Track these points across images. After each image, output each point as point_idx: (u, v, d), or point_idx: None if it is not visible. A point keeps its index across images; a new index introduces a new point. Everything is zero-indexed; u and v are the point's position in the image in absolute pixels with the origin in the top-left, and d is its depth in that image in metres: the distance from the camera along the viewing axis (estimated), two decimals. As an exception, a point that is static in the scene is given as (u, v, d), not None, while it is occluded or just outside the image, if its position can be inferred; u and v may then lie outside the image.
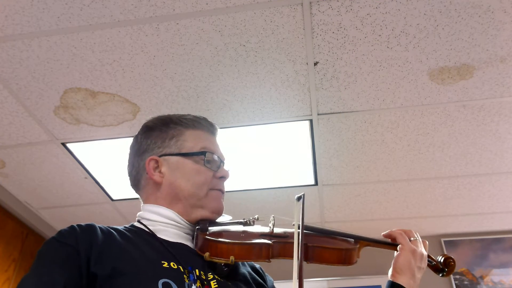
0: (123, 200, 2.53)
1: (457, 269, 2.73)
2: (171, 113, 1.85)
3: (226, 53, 1.60)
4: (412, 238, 0.95)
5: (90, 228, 0.83)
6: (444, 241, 2.84)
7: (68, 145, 2.08)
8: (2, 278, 2.40)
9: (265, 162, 2.22)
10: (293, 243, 0.80)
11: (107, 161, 2.20)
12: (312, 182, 2.35)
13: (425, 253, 0.94)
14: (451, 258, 0.99)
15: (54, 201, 2.53)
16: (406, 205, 2.56)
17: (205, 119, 1.02)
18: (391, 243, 0.97)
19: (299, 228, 0.80)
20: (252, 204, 2.55)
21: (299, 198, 0.82)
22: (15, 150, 2.11)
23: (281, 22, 1.49)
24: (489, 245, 2.79)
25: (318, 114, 1.89)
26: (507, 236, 2.80)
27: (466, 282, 2.67)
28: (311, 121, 1.93)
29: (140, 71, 1.68)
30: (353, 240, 0.95)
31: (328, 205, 2.57)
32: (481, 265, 2.72)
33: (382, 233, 1.00)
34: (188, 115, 1.01)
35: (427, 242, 0.98)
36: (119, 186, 2.40)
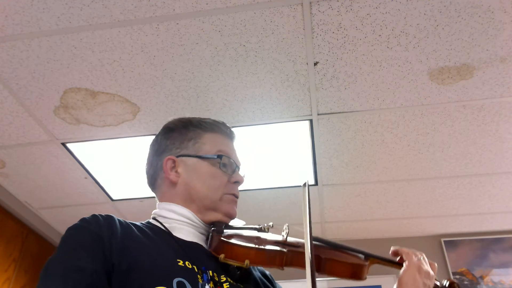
0: (123, 200, 2.52)
1: (457, 269, 2.73)
2: (171, 113, 1.86)
3: (226, 53, 1.60)
4: (417, 257, 0.95)
5: (110, 218, 0.84)
6: (444, 241, 2.84)
7: (68, 145, 2.08)
8: (2, 278, 2.40)
9: (265, 162, 2.22)
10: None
11: (107, 161, 2.20)
12: (312, 182, 2.35)
13: (431, 272, 0.94)
14: (456, 283, 1.00)
15: (54, 201, 2.53)
16: (406, 205, 2.56)
17: (223, 124, 1.04)
18: (397, 263, 0.98)
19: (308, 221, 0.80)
20: (252, 204, 2.55)
21: (304, 185, 0.84)
22: (15, 150, 2.11)
23: (281, 22, 1.49)
24: (489, 245, 2.79)
25: (318, 114, 1.89)
26: (507, 236, 2.80)
27: (466, 282, 2.67)
28: (311, 121, 1.93)
29: (140, 71, 1.68)
30: (363, 256, 0.96)
31: (328, 205, 2.57)
32: (481, 265, 2.72)
33: (390, 250, 1.00)
34: (208, 119, 1.04)
35: (436, 264, 0.98)
36: (119, 186, 2.40)
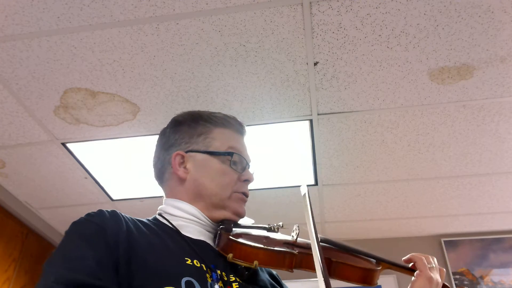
0: (123, 200, 2.52)
1: (457, 269, 2.73)
2: (171, 113, 1.86)
3: (226, 53, 1.60)
4: (429, 265, 0.92)
5: (115, 213, 0.82)
6: (444, 241, 2.84)
7: (68, 145, 2.08)
8: (2, 278, 2.40)
9: (265, 162, 2.22)
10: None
11: (107, 161, 2.20)
12: (312, 182, 2.35)
13: (440, 280, 0.91)
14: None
15: (54, 201, 2.53)
16: (406, 205, 2.56)
17: (234, 119, 1.01)
18: (410, 269, 0.95)
19: (312, 229, 0.78)
20: (252, 204, 2.55)
21: (304, 195, 0.81)
22: (15, 150, 2.11)
23: (281, 22, 1.49)
24: (489, 245, 2.79)
25: (318, 114, 1.89)
26: (507, 236, 2.80)
27: (466, 282, 2.67)
28: (311, 121, 1.93)
29: (140, 71, 1.68)
30: (375, 261, 0.93)
31: (328, 205, 2.57)
32: (481, 265, 2.72)
33: (403, 258, 0.97)
34: (219, 113, 1.00)
35: (444, 270, 0.96)
36: (119, 186, 2.40)
